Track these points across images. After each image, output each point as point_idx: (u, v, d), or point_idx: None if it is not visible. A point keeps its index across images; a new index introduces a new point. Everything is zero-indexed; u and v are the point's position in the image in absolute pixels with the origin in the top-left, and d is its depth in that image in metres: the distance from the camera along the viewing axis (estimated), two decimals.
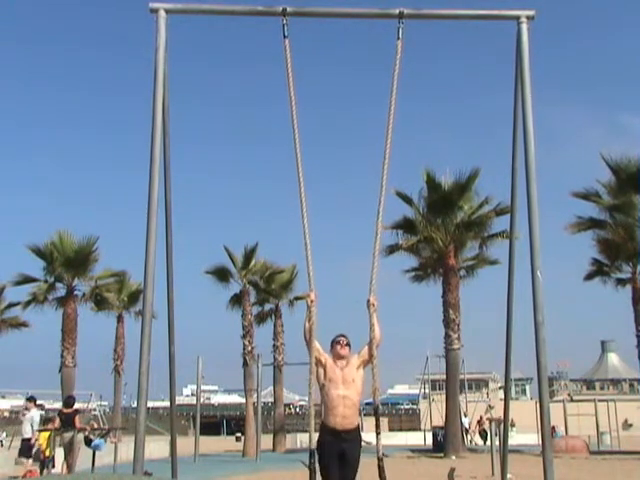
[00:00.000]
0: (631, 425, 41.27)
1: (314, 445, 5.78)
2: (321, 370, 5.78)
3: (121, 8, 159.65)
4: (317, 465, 5.69)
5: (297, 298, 27.71)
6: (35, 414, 14.65)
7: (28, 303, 25.69)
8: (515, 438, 23.75)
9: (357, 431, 5.71)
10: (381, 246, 6.70)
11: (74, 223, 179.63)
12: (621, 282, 22.41)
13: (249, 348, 25.61)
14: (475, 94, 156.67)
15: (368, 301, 6.02)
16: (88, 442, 14.61)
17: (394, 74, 6.85)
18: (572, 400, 37.94)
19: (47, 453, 14.14)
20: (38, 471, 14.23)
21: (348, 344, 5.89)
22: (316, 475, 5.73)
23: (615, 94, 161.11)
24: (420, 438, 29.23)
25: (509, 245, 8.86)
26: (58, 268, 24.91)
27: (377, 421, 6.03)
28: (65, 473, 13.33)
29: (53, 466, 14.24)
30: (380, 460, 5.82)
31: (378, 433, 5.96)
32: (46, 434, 14.14)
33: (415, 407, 55.91)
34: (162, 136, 7.08)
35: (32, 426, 14.24)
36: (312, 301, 6.02)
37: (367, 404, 59.33)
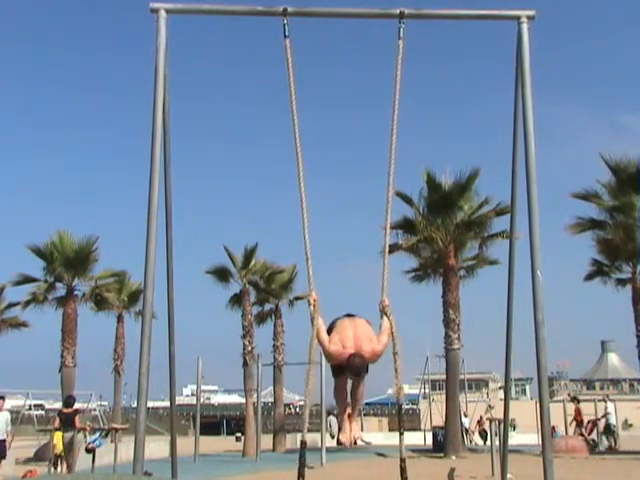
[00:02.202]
0: (631, 425, 41.26)
1: (305, 438, 5.85)
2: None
3: (121, 8, 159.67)
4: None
5: (297, 298, 27.72)
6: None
7: (28, 303, 25.69)
8: (515, 438, 23.75)
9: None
10: (387, 246, 6.74)
11: (74, 223, 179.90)
12: (621, 282, 22.41)
13: (249, 348, 25.61)
14: (475, 94, 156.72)
15: (381, 302, 6.00)
16: (89, 450, 14.59)
17: (396, 74, 6.86)
18: (572, 400, 37.85)
19: (57, 451, 14.16)
20: (38, 471, 14.24)
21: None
22: (304, 469, 5.78)
23: (616, 94, 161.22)
24: (420, 438, 29.21)
25: (509, 245, 8.87)
26: (58, 268, 24.91)
27: (400, 421, 6.02)
28: (65, 473, 13.34)
29: (54, 466, 14.22)
30: (402, 461, 5.83)
31: (401, 433, 5.93)
32: (59, 434, 14.14)
33: (415, 407, 55.89)
34: (162, 136, 7.08)
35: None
36: (315, 300, 6.01)
37: (367, 404, 59.39)
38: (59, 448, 14.13)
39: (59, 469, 14.03)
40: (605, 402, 23.90)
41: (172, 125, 7.71)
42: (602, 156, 21.90)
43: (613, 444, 22.85)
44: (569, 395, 26.25)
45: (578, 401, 24.02)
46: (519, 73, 7.26)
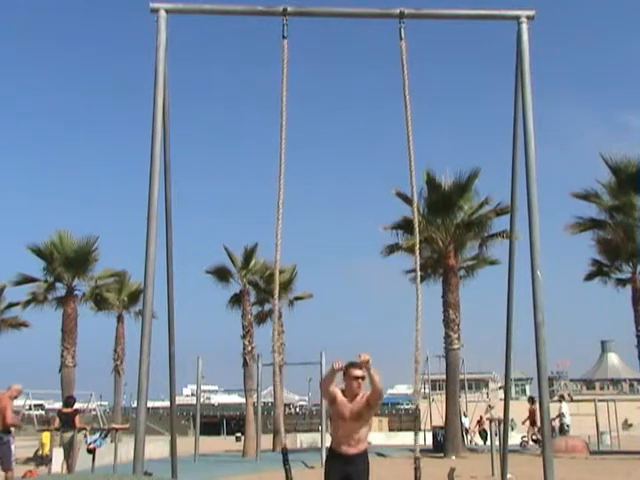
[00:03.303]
0: (631, 425, 41.26)
1: (284, 444, 6.10)
2: (331, 406, 5.63)
3: (121, 8, 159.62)
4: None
5: (297, 298, 27.71)
6: None
7: (28, 303, 25.66)
8: (515, 438, 23.72)
9: (364, 455, 5.60)
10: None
11: (74, 223, 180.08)
12: (621, 282, 22.37)
13: (249, 348, 25.58)
14: (476, 94, 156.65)
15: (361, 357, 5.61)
16: (90, 451, 14.54)
17: (403, 74, 6.88)
18: (572, 400, 37.98)
19: (45, 451, 14.08)
20: (38, 471, 14.22)
21: (364, 377, 5.55)
22: (290, 475, 5.98)
23: (616, 94, 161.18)
24: (420, 438, 29.18)
25: (509, 245, 8.87)
26: (58, 268, 24.87)
27: (416, 421, 6.18)
28: (65, 473, 13.32)
29: (38, 465, 14.07)
30: (417, 459, 5.92)
31: (416, 433, 6.07)
32: (47, 434, 14.09)
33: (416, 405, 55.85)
34: (162, 135, 7.09)
35: None
36: (340, 368, 5.75)
37: None
38: (46, 448, 13.97)
39: (43, 469, 13.83)
40: (560, 402, 23.82)
41: (171, 124, 7.72)
42: (602, 156, 21.86)
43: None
44: (531, 396, 26.42)
45: (534, 401, 24.09)
46: (519, 73, 7.27)
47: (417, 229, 7.29)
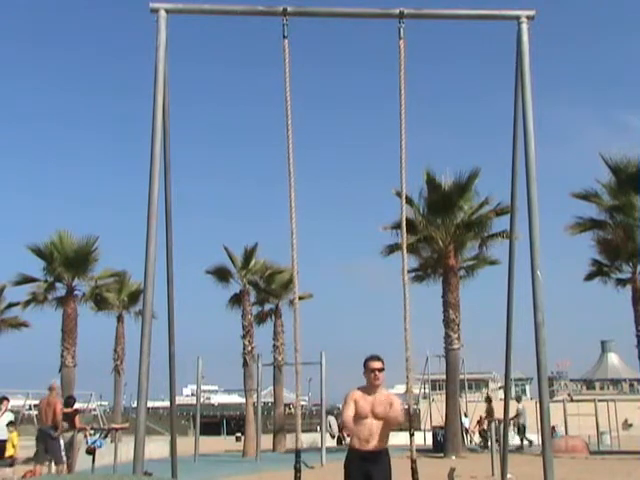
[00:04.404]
0: (631, 425, 41.27)
1: (300, 445, 6.09)
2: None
3: (121, 8, 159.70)
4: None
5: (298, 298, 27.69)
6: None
7: (28, 303, 25.65)
8: (516, 438, 23.74)
9: (384, 452, 5.51)
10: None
11: (74, 223, 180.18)
12: (621, 282, 22.37)
13: (249, 348, 25.59)
14: (476, 94, 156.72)
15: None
16: (89, 452, 14.49)
17: (400, 72, 6.89)
18: (572, 400, 37.98)
19: (11, 453, 13.82)
20: (38, 471, 14.15)
21: (383, 369, 5.52)
22: (301, 475, 5.93)
23: (616, 94, 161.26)
24: (420, 438, 29.18)
25: (509, 245, 8.88)
26: (58, 268, 24.86)
27: (410, 422, 6.14)
28: (65, 473, 13.29)
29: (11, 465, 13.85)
30: (413, 462, 5.91)
31: (412, 435, 6.07)
32: (16, 434, 13.89)
33: (415, 407, 55.87)
34: (162, 135, 7.09)
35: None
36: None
37: None
38: (16, 451, 13.68)
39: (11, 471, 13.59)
40: (517, 402, 23.80)
41: (171, 125, 7.72)
42: (602, 156, 21.85)
43: (527, 444, 22.84)
44: (487, 395, 26.46)
45: (490, 401, 24.04)
46: (519, 73, 7.27)
47: (403, 224, 7.27)
